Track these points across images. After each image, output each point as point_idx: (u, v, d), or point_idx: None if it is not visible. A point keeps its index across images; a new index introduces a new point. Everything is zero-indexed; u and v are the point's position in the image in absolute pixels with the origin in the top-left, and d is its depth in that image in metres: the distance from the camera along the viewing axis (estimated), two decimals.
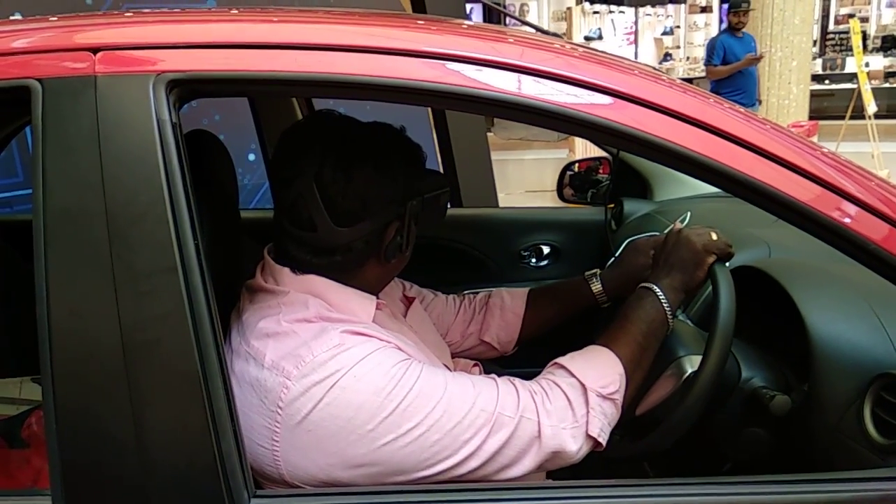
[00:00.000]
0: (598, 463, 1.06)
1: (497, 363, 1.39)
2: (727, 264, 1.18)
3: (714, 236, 1.18)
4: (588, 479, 0.95)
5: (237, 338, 1.01)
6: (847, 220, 0.89)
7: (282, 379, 0.93)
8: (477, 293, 1.48)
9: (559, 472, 1.06)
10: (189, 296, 0.80)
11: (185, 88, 0.84)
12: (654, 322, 1.12)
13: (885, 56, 11.01)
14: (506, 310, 1.43)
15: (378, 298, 1.09)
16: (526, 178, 7.66)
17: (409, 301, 1.31)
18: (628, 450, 1.15)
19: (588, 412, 1.01)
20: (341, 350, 0.94)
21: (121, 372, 0.79)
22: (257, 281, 1.07)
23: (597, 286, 1.38)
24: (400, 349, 0.99)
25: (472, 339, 1.44)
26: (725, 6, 6.79)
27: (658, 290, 1.14)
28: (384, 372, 0.93)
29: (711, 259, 1.16)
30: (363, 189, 1.00)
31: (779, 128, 0.95)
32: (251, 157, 3.09)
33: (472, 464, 0.95)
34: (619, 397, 1.05)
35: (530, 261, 2.15)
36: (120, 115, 0.81)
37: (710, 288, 1.19)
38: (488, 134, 5.68)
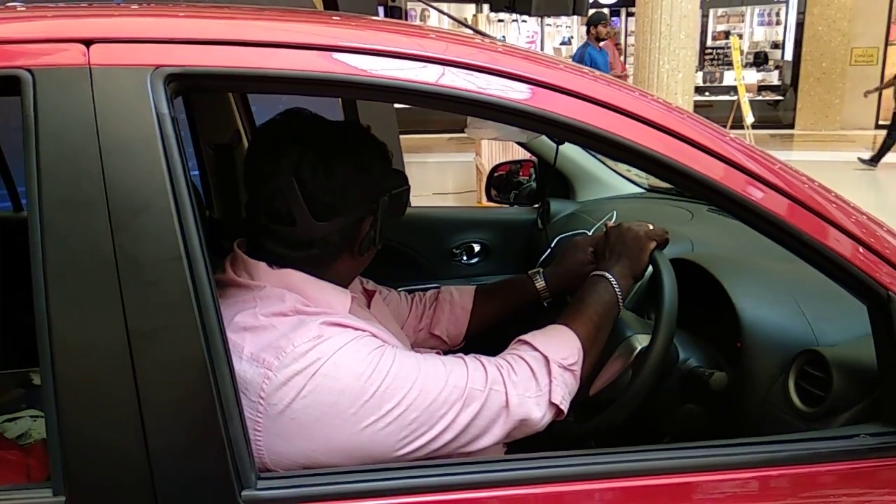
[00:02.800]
0: (549, 442, 1.14)
1: None
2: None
3: (651, 226, 1.31)
4: (541, 452, 1.00)
5: None
6: (755, 198, 0.97)
7: (262, 370, 0.95)
8: (426, 290, 1.54)
9: (513, 447, 1.14)
10: (194, 284, 0.81)
11: (182, 83, 0.85)
12: (607, 304, 1.22)
13: (757, 71, 11.91)
14: (455, 305, 1.50)
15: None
16: (430, 181, 7.76)
17: (369, 294, 1.35)
18: (583, 429, 1.25)
19: (551, 381, 1.09)
20: (321, 341, 0.97)
21: (125, 361, 0.80)
22: (228, 275, 1.08)
23: (540, 283, 1.47)
24: (375, 336, 1.03)
25: (424, 334, 1.50)
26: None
27: (610, 276, 1.24)
28: (362, 358, 0.98)
29: (652, 245, 1.29)
30: (343, 184, 1.04)
31: (694, 115, 1.04)
32: None
33: (447, 436, 1.01)
34: (578, 369, 1.13)
35: (461, 258, 2.22)
36: (118, 108, 0.81)
37: (648, 277, 1.30)
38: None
